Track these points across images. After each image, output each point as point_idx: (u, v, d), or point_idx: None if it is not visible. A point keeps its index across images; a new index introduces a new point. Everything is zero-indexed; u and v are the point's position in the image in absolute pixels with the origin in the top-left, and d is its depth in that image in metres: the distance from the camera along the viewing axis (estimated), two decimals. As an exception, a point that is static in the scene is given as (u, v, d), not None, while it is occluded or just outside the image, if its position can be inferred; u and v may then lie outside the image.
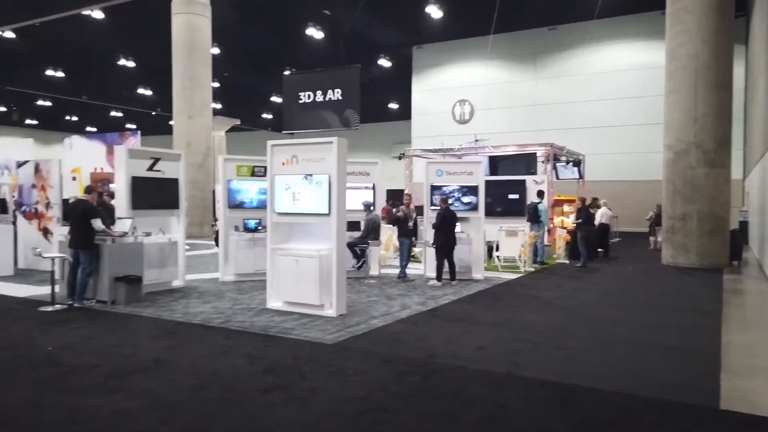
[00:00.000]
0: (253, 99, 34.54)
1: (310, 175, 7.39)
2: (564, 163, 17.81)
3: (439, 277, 9.78)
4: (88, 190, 8.32)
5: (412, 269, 11.12)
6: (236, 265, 10.24)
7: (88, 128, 38.75)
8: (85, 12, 19.23)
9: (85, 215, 7.99)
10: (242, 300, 8.53)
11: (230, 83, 30.34)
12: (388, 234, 12.45)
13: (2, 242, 10.53)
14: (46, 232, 11.20)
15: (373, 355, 5.65)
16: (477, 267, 10.48)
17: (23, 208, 11.43)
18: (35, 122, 38.53)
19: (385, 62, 27.63)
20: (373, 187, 11.02)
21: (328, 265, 7.44)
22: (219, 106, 32.03)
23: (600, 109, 24.42)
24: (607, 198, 17.02)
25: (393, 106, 34.95)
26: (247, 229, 10.32)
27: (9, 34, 22.40)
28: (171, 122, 37.66)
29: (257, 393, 4.57)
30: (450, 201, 10.12)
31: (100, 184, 15.42)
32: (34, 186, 11.30)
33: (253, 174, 10.45)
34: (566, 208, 16.43)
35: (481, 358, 5.55)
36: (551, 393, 4.61)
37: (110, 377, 4.92)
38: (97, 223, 8.09)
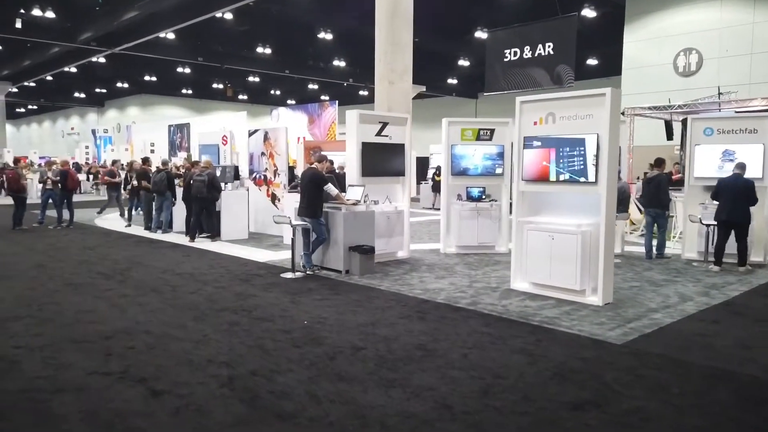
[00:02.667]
0: (437, 64, 33.69)
1: (585, 136, 6.10)
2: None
3: (718, 261, 7.92)
4: (320, 158, 8.04)
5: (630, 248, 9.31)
6: (459, 236, 9.44)
7: (289, 101, 41.42)
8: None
9: (316, 183, 7.72)
10: (477, 277, 7.67)
11: (415, 49, 29.79)
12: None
13: (238, 208, 11.02)
14: (274, 198, 11.54)
15: (688, 367, 4.34)
16: (758, 250, 8.34)
17: (253, 174, 11.91)
18: (245, 97, 42.23)
19: (589, 12, 24.60)
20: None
21: (592, 243, 6.19)
22: (407, 72, 31.77)
23: None
24: None
25: (591, 62, 31.47)
26: (470, 198, 9.43)
27: (228, 15, 24.09)
28: (361, 92, 38.75)
29: (564, 408, 3.59)
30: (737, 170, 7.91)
31: (312, 152, 15.77)
32: (263, 154, 11.67)
33: (478, 138, 9.48)
34: None
35: None
36: None
37: (380, 365, 4.33)
38: (331, 189, 7.80)
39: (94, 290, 6.82)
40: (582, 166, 6.12)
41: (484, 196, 9.39)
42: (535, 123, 6.56)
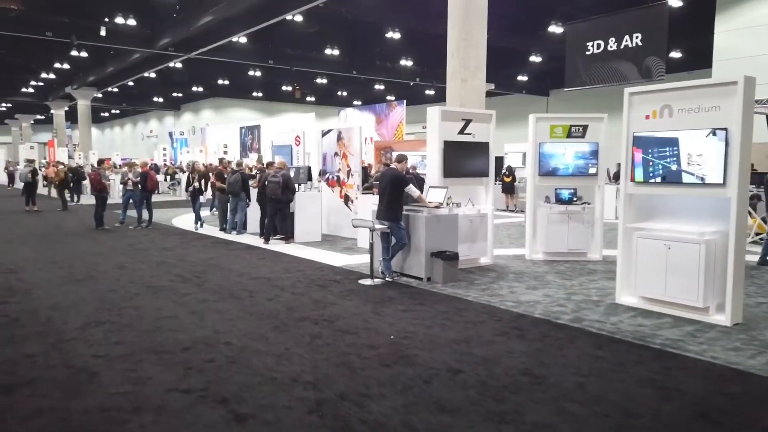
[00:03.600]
0: (507, 61, 32.54)
1: (713, 131, 5.28)
2: None
3: None
4: (400, 158, 7.55)
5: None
6: (546, 241, 8.70)
7: (355, 102, 41.42)
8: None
9: (397, 184, 7.23)
10: (574, 288, 6.94)
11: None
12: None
13: (311, 209, 10.74)
14: (347, 200, 11.19)
15: None
16: None
17: (326, 175, 11.61)
18: (313, 99, 42.61)
19: (675, 2, 22.86)
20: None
21: (718, 254, 5.36)
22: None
23: None
24: None
25: (674, 55, 29.41)
26: (559, 201, 8.67)
27: (298, 17, 24.12)
28: (427, 91, 38.14)
29: (726, 464, 2.91)
30: None
31: (383, 152, 15.38)
32: (336, 154, 11.34)
33: (569, 135, 8.70)
34: None
35: None
36: None
37: (483, 394, 3.77)
38: (413, 190, 7.30)
39: (173, 294, 6.64)
40: (707, 166, 5.30)
41: (575, 198, 8.60)
42: (647, 117, 5.78)
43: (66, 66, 30.51)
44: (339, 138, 11.26)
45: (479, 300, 6.35)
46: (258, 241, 10.61)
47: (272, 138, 14.76)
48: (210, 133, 34.48)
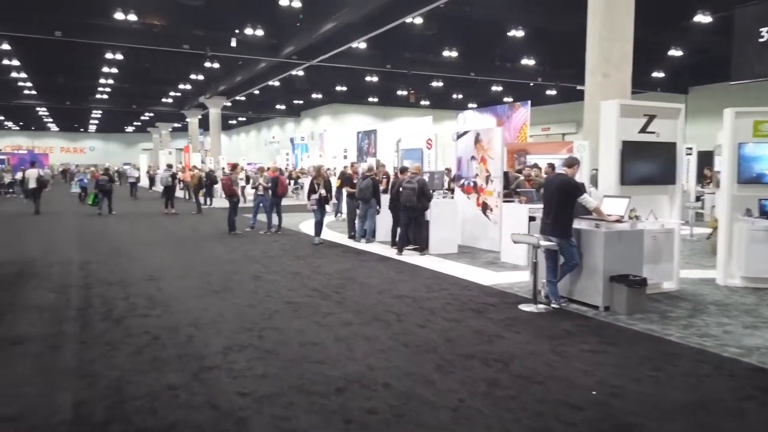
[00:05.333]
0: (640, 56, 29.54)
1: None
2: None
3: None
4: (571, 162, 6.27)
5: None
6: (747, 264, 6.97)
7: (470, 104, 40.05)
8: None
9: (569, 193, 5.99)
10: (810, 329, 5.30)
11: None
12: None
13: (448, 218, 9.74)
14: (485, 208, 10.06)
15: None
16: None
17: (462, 181, 10.56)
18: (427, 102, 41.82)
19: None
20: None
21: None
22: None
23: None
24: None
25: None
26: (765, 214, 6.92)
27: (418, 20, 23.36)
28: (548, 92, 35.84)
29: None
30: None
31: (515, 156, 14.04)
32: (473, 158, 10.27)
33: (780, 133, 6.94)
34: None
35: None
36: None
37: None
38: (589, 200, 6.03)
39: (314, 314, 5.92)
40: None
41: (783, 211, 6.82)
42: None
43: (200, 77, 32.29)
44: (477, 140, 10.17)
45: (687, 342, 4.95)
46: (390, 251, 9.81)
47: (398, 139, 13.95)
48: (328, 139, 34.92)
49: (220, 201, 21.82)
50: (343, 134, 34.46)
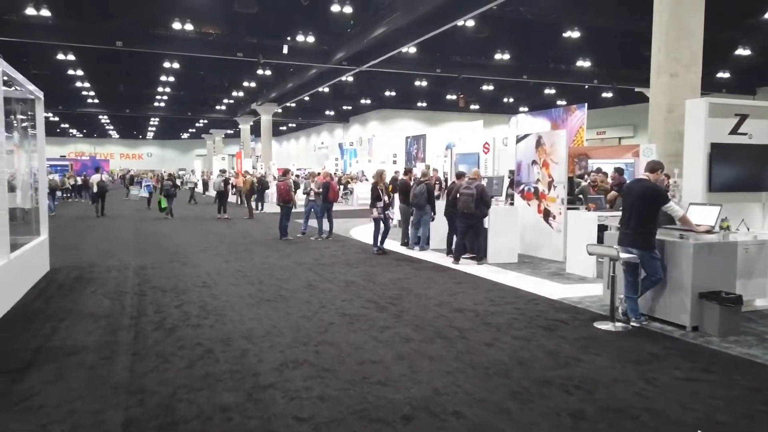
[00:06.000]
0: (705, 56, 27.98)
1: None
2: None
3: None
4: (654, 166, 5.65)
5: None
6: None
7: (521, 108, 39.06)
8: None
9: (653, 200, 5.40)
10: None
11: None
12: None
13: (508, 226, 9.22)
14: (547, 215, 9.48)
15: None
16: None
17: (522, 187, 10.01)
18: (477, 107, 41.06)
19: None
20: None
21: None
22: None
23: None
24: None
25: None
26: None
27: (470, 23, 22.81)
28: (604, 94, 34.47)
29: None
30: None
31: (576, 161, 13.33)
32: (534, 162, 9.71)
33: None
34: None
35: None
36: None
37: None
38: (675, 209, 5.43)
39: (371, 327, 5.56)
40: None
41: None
42: None
43: (252, 84, 32.76)
44: (539, 144, 9.61)
45: (801, 373, 4.31)
46: (445, 260, 9.37)
47: (449, 144, 13.54)
48: (377, 144, 34.75)
49: (271, 206, 21.93)
50: (391, 139, 34.27)
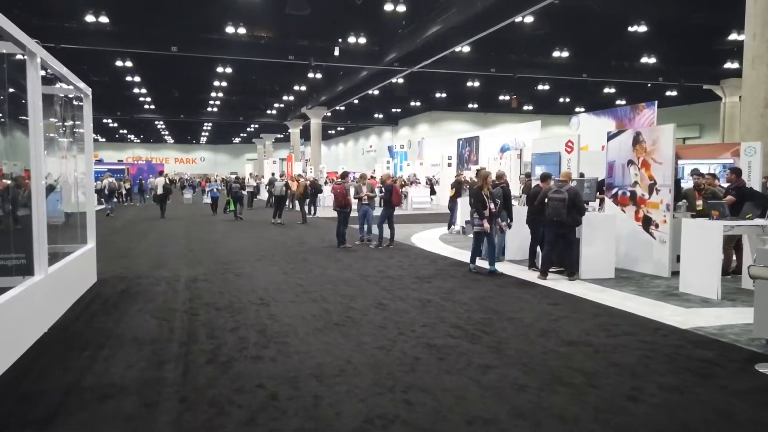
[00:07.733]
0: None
1: None
2: None
3: None
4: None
5: None
6: None
7: (577, 108, 37.04)
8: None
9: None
10: None
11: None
12: None
13: (604, 235, 7.86)
14: (647, 223, 8.07)
15: None
16: None
17: (615, 190, 8.62)
18: (530, 107, 39.21)
19: None
20: None
21: None
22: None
23: None
24: None
25: None
26: None
27: (528, 18, 21.33)
28: (668, 92, 32.09)
29: None
30: None
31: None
32: (631, 162, 8.31)
33: None
34: None
35: None
36: None
37: None
38: None
39: (467, 365, 4.40)
40: None
41: None
42: None
43: (303, 87, 32.20)
44: (636, 141, 8.21)
45: None
46: (528, 274, 8.10)
47: (505, 144, 12.28)
48: (426, 146, 33.57)
49: (323, 210, 21.08)
50: (441, 142, 33.01)
